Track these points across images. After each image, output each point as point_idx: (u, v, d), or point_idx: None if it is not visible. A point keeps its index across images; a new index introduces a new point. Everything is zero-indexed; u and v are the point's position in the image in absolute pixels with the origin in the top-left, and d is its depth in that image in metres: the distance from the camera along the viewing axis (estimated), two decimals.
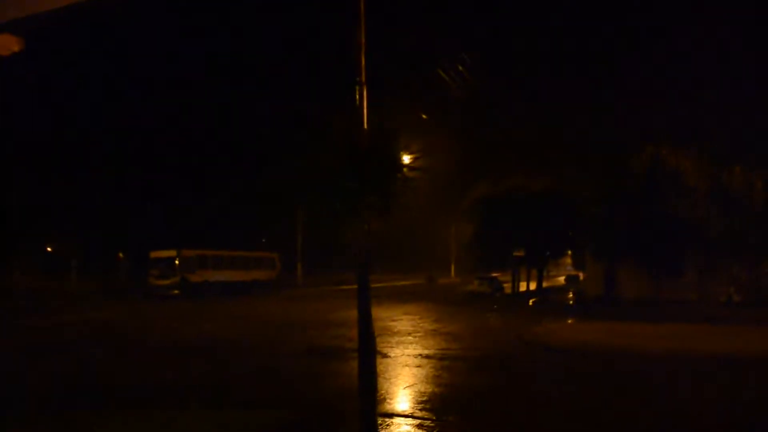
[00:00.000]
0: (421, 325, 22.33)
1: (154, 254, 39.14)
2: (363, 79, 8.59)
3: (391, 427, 8.87)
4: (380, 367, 13.41)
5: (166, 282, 37.85)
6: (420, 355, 15.39)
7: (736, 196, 26.47)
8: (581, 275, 48.28)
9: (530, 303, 34.14)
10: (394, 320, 23.59)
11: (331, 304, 30.02)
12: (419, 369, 13.58)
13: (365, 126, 8.53)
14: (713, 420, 9.63)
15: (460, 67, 19.29)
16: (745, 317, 24.08)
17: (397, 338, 18.47)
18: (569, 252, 46.59)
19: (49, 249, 52.51)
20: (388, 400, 10.50)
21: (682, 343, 16.99)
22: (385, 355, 15.15)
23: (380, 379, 12.10)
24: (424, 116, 27.09)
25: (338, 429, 9.24)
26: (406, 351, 16.00)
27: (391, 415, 9.50)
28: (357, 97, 8.61)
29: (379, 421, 9.27)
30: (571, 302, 35.95)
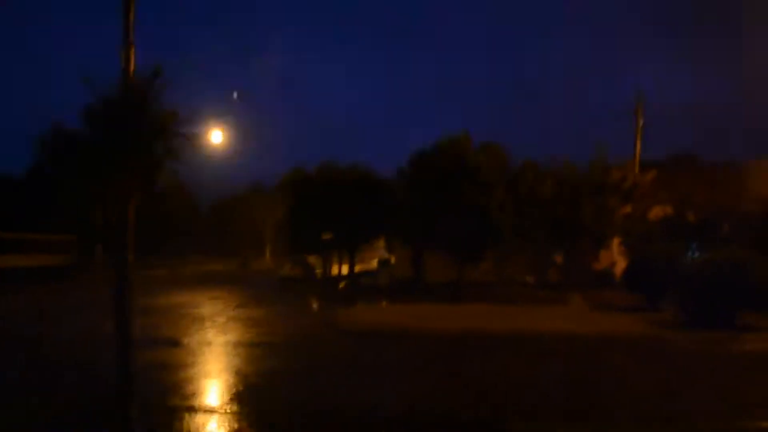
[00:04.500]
0: (224, 310, 21.48)
1: None
2: (131, 39, 7.50)
3: (171, 420, 8.22)
4: (168, 356, 12.61)
5: None
6: (215, 342, 14.69)
7: (528, 191, 28.42)
8: (393, 259, 49.54)
9: (340, 286, 34.36)
10: (197, 306, 22.53)
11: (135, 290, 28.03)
12: (211, 356, 12.93)
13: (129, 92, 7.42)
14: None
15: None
16: (536, 297, 25.95)
17: (196, 325, 17.58)
18: (382, 236, 47.49)
19: None
20: (171, 392, 9.77)
21: (476, 322, 17.85)
22: (177, 343, 14.28)
23: (167, 369, 11.31)
24: (236, 95, 26.05)
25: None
26: (202, 338, 15.22)
27: (174, 408, 8.82)
28: (122, 60, 7.47)
29: (158, 414, 8.54)
30: (380, 285, 36.67)
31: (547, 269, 34.59)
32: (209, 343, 14.46)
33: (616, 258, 32.25)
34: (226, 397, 9.64)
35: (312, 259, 41.39)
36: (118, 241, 7.50)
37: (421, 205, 27.25)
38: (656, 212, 32.05)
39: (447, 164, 26.78)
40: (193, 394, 9.68)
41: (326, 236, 33.05)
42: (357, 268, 41.70)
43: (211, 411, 8.78)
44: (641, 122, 32.29)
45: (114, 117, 6.97)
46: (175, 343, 14.26)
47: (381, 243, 52.09)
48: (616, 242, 32.16)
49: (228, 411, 8.78)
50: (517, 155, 29.99)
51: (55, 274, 38.09)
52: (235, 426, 8.11)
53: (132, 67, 7.46)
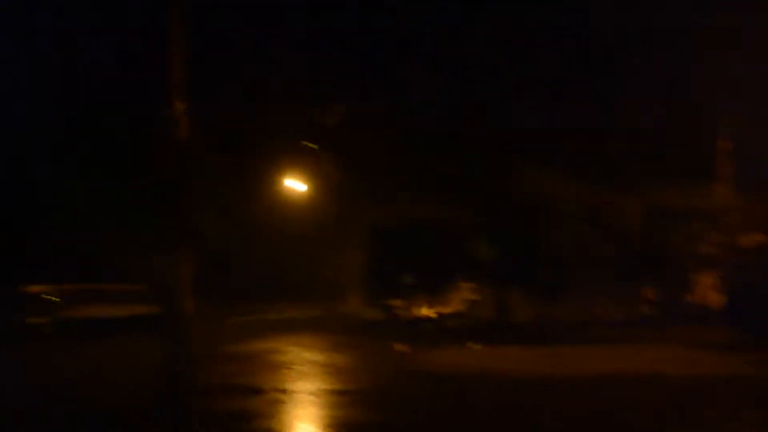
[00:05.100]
0: (304, 356, 21.48)
1: (26, 288, 35.59)
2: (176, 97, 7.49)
3: None
4: (247, 404, 12.63)
5: (41, 320, 34.59)
6: (296, 389, 14.66)
7: (610, 221, 27.31)
8: (479, 299, 48.71)
9: (424, 329, 33.99)
10: (278, 352, 22.64)
11: (218, 338, 28.53)
12: (291, 405, 12.88)
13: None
14: None
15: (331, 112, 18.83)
16: (626, 336, 24.73)
17: (276, 371, 17.70)
18: (465, 277, 46.90)
19: None
20: None
21: (561, 367, 17.17)
22: (257, 391, 14.33)
23: (245, 419, 11.30)
24: (310, 145, 26.52)
25: None
26: (283, 385, 15.23)
27: None
28: (169, 115, 7.49)
29: None
30: (465, 327, 36.00)
31: (638, 305, 33.06)
32: (290, 391, 14.44)
33: (710, 290, 30.53)
34: None
35: (395, 302, 41.26)
36: (170, 284, 7.33)
37: (499, 243, 26.70)
38: (749, 240, 30.19)
39: (524, 198, 26.04)
40: None
41: (408, 281, 32.96)
42: (441, 310, 41.35)
43: None
44: (730, 143, 30.76)
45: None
46: (255, 391, 14.30)
47: (467, 283, 51.49)
48: (710, 273, 30.51)
49: None
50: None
51: (137, 325, 38.01)
52: None
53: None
